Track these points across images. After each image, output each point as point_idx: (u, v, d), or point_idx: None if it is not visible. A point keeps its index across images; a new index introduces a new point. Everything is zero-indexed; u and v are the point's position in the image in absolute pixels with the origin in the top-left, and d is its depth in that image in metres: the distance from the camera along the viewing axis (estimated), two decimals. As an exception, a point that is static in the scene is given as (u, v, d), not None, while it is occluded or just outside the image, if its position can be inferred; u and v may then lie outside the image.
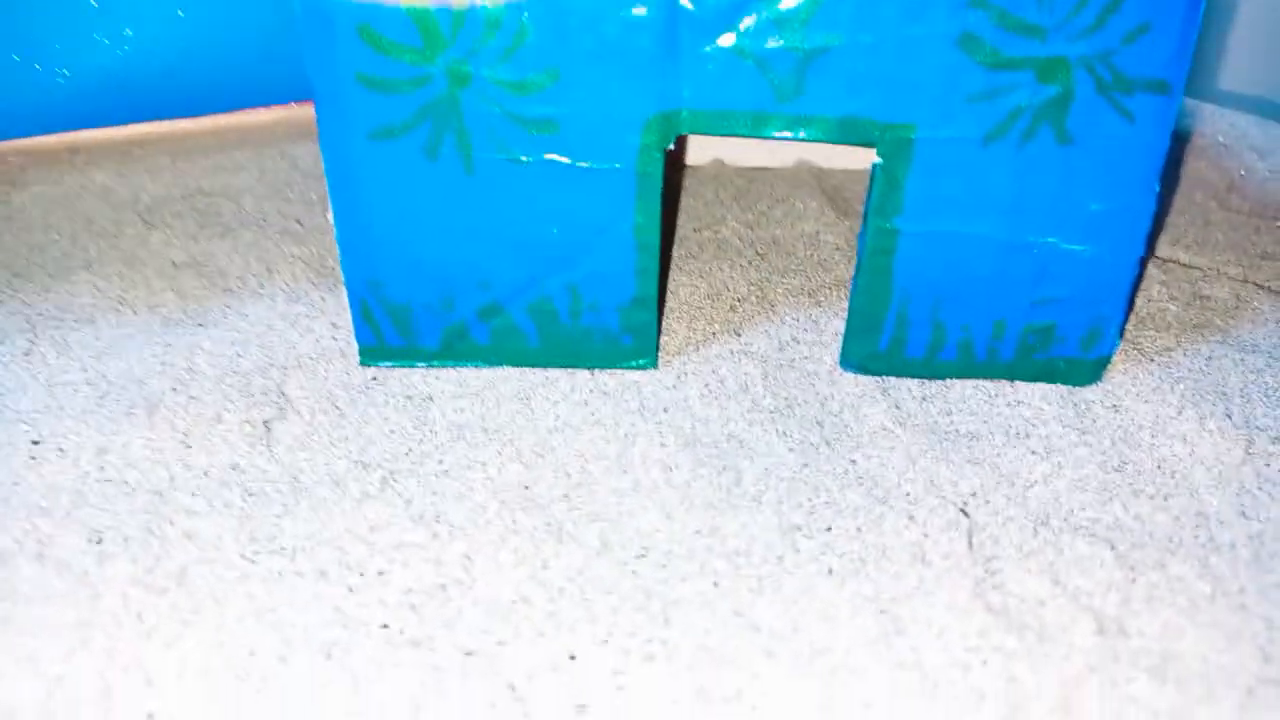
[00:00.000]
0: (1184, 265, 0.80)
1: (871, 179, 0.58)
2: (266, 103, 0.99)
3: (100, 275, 0.74)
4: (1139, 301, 0.73)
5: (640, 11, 0.52)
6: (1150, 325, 0.70)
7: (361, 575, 0.47)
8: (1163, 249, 0.83)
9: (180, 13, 0.87)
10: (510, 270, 0.61)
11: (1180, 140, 1.06)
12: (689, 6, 0.52)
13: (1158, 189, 0.57)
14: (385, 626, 0.44)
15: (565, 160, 0.57)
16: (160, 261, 0.76)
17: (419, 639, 0.44)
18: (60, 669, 0.42)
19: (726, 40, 0.53)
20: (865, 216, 0.60)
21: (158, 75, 0.91)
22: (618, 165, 0.57)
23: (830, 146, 0.92)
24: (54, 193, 0.87)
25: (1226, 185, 0.96)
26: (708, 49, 0.54)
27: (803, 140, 0.57)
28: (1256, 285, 0.76)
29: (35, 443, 0.55)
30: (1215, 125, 1.09)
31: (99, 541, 0.49)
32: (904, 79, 0.54)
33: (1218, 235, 0.85)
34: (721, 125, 0.56)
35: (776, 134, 0.56)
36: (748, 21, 0.53)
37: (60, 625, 0.44)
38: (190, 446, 0.55)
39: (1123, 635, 0.44)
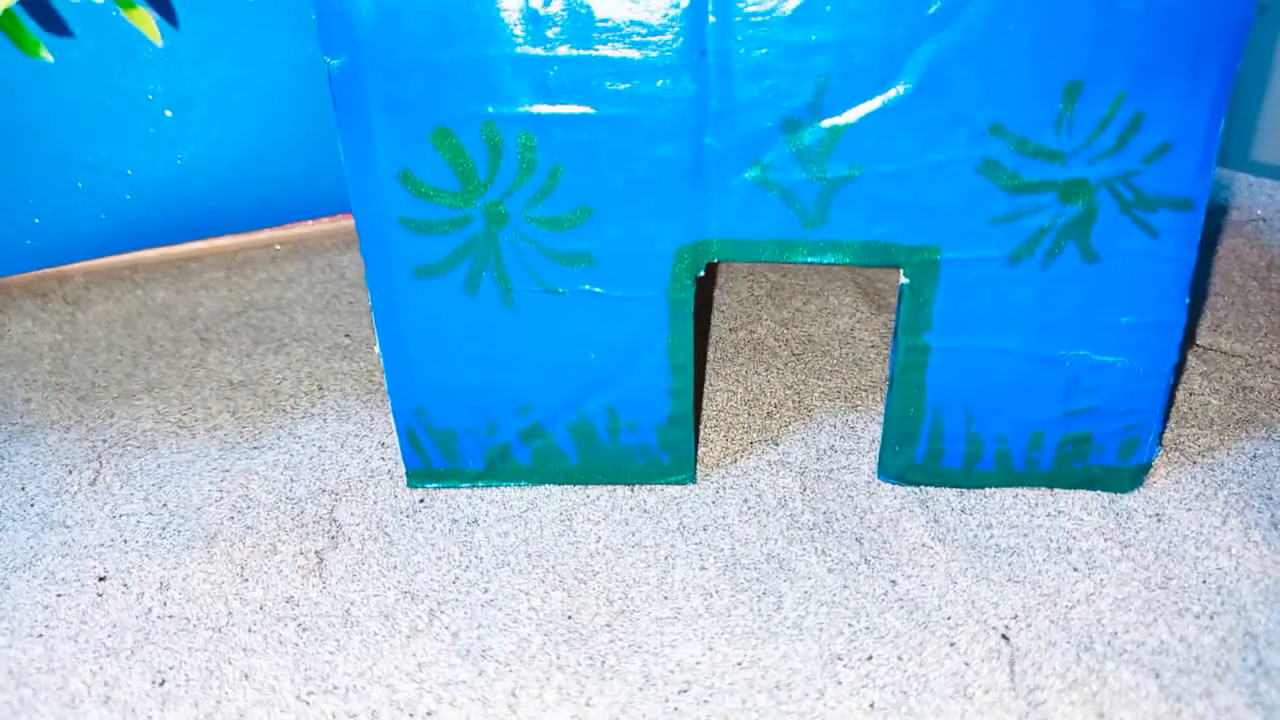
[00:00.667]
0: (1225, 353, 0.79)
1: (900, 298, 0.59)
2: (313, 216, 1.03)
3: (161, 398, 0.77)
4: (1180, 395, 0.73)
5: (667, 149, 0.55)
6: (1192, 422, 0.70)
7: (411, 716, 0.48)
8: (1204, 335, 0.82)
9: (230, 133, 0.92)
10: (550, 394, 0.63)
11: (1218, 214, 1.06)
12: (714, 143, 0.54)
13: (1188, 300, 0.57)
14: (434, 771, 0.46)
15: (600, 291, 0.59)
16: (217, 381, 0.80)
17: (467, 784, 0.45)
18: (125, 820, 0.44)
19: (751, 173, 0.55)
20: (895, 332, 0.61)
21: (211, 194, 0.95)
22: (651, 294, 0.59)
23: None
24: (116, 311, 0.91)
25: (1266, 264, 0.95)
26: (733, 182, 0.56)
27: (829, 264, 0.58)
28: (1301, 374, 0.76)
29: (102, 579, 0.58)
30: (1253, 198, 1.09)
31: (162, 683, 0.51)
32: (927, 204, 0.55)
33: (1259, 319, 0.85)
34: (749, 253, 0.58)
35: (803, 259, 0.58)
36: (771, 155, 0.55)
37: (125, 773, 0.46)
38: (246, 580, 0.58)
39: (1172, 772, 0.44)
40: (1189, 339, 0.82)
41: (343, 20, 0.52)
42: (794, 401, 0.74)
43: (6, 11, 0.55)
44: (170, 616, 0.55)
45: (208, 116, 0.90)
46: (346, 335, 0.87)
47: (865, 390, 0.75)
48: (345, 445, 0.71)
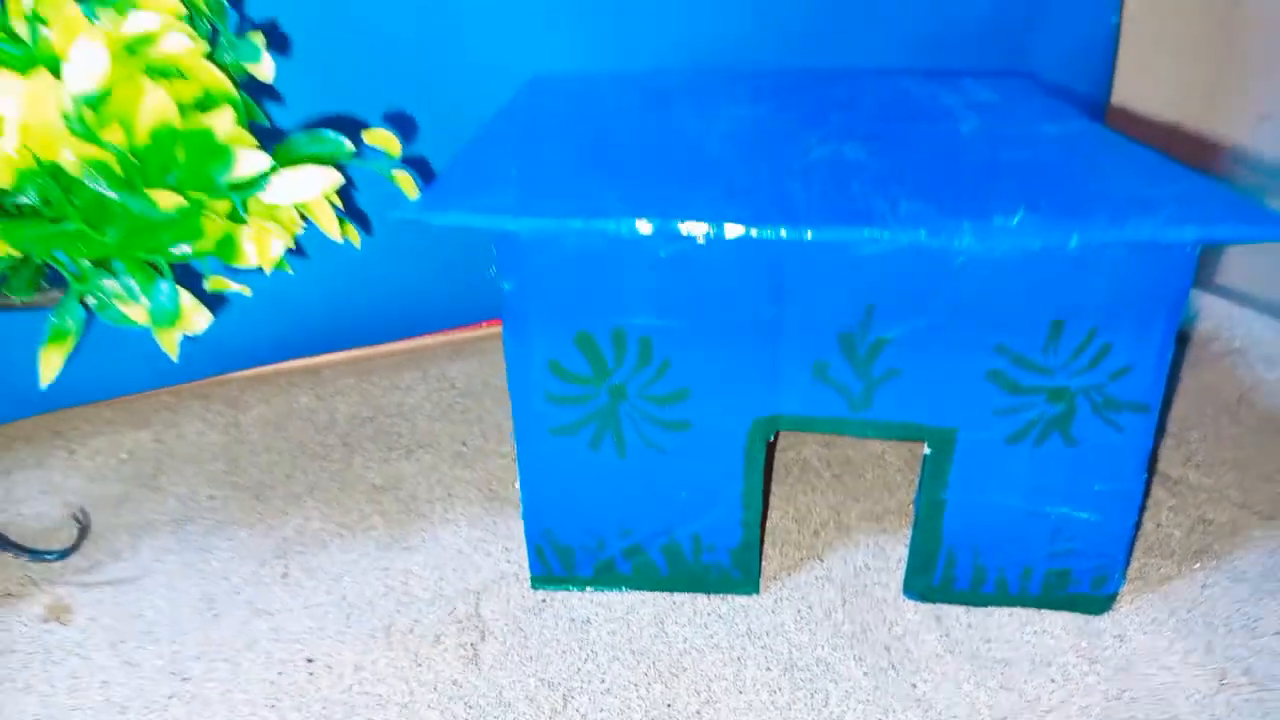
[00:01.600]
0: (1193, 487, 0.96)
1: (923, 464, 0.77)
2: (429, 330, 1.22)
3: (321, 499, 0.96)
4: (1149, 526, 0.90)
5: (750, 352, 0.73)
6: (1156, 553, 0.87)
7: (559, 780, 0.66)
8: (1175, 468, 0.99)
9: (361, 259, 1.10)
10: (648, 523, 0.81)
11: (1200, 345, 1.23)
12: (786, 349, 0.73)
13: (1145, 476, 0.75)
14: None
15: (692, 449, 0.77)
16: (364, 485, 0.98)
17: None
18: None
19: (813, 371, 0.73)
20: (919, 487, 0.78)
21: (345, 314, 1.14)
22: (731, 452, 0.77)
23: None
24: (269, 415, 1.10)
25: (1238, 397, 1.12)
26: (799, 377, 0.74)
27: (869, 438, 0.76)
28: (1252, 511, 0.92)
29: (309, 660, 0.76)
30: (1232, 330, 1.26)
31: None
32: (948, 398, 0.73)
33: (1226, 454, 1.02)
34: (809, 426, 0.76)
35: (850, 434, 0.76)
36: (829, 359, 0.73)
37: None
38: (420, 665, 0.76)
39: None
40: (1161, 472, 0.99)
41: (516, 259, 0.70)
42: (835, 522, 0.92)
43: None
44: (366, 693, 0.73)
45: (341, 251, 1.09)
46: (463, 444, 1.05)
47: (894, 514, 0.93)
48: (478, 549, 0.89)
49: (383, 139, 0.72)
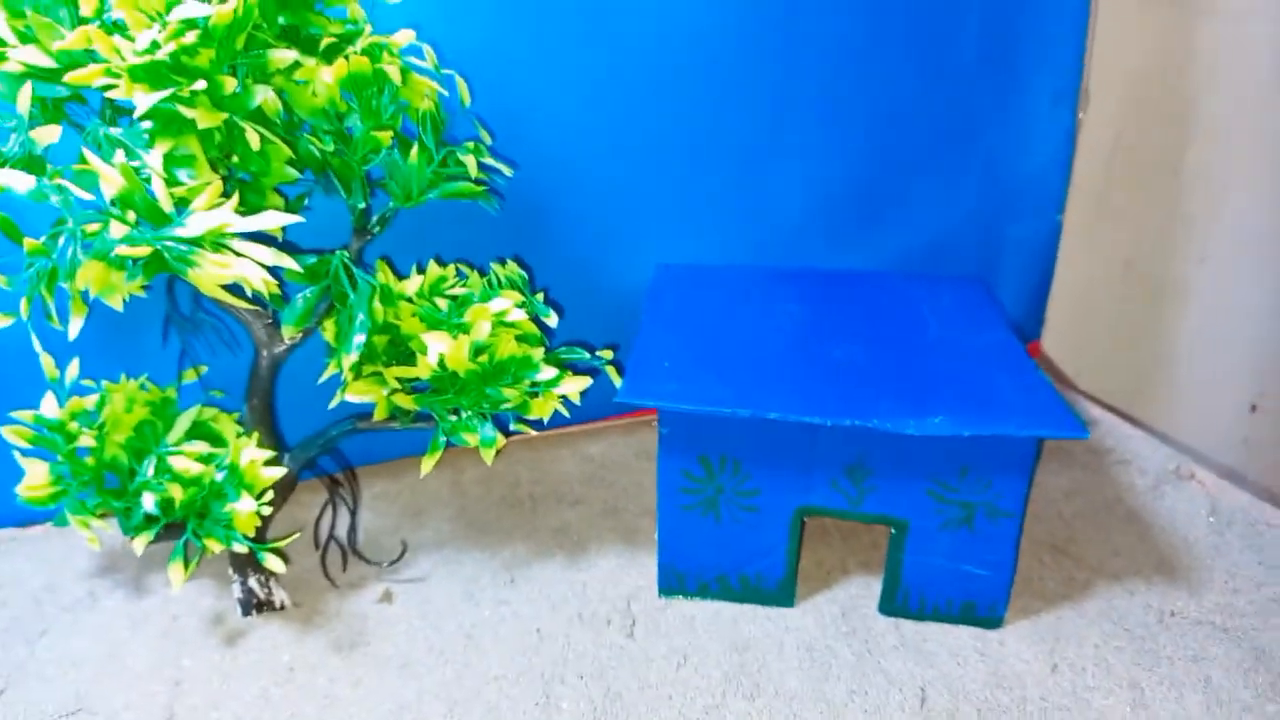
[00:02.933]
0: (1068, 555, 1.53)
1: (890, 538, 1.35)
2: (573, 423, 1.82)
3: (522, 536, 1.55)
4: (1033, 578, 1.47)
5: (794, 473, 1.31)
6: (1035, 595, 1.44)
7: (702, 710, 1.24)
8: (1060, 541, 1.56)
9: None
10: (729, 562, 1.39)
11: (1095, 454, 1.80)
12: (816, 471, 1.31)
13: (1015, 551, 1.32)
14: None
15: (759, 522, 1.36)
16: (547, 528, 1.58)
17: (711, 725, 1.21)
18: (588, 726, 1.21)
19: (831, 484, 1.32)
20: (889, 551, 1.36)
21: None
22: (781, 525, 1.36)
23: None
24: (479, 476, 1.70)
25: (1115, 496, 1.69)
26: (823, 487, 1.32)
27: (862, 522, 1.35)
28: (1102, 574, 1.49)
29: (538, 630, 1.35)
30: (1123, 445, 1.83)
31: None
32: (904, 503, 1.31)
33: (1097, 535, 1.59)
34: (827, 514, 1.34)
35: (850, 519, 1.34)
36: (838, 478, 1.31)
37: None
38: (599, 635, 1.34)
39: (974, 744, 1.18)
40: (1048, 544, 1.56)
41: (672, 418, 1.29)
42: (840, 567, 1.50)
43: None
44: (575, 652, 1.32)
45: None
46: (605, 502, 1.65)
47: (876, 562, 1.51)
48: (624, 571, 1.48)
49: (603, 353, 1.32)
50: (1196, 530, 1.59)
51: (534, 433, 1.29)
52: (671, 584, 1.42)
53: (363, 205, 1.17)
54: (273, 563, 1.18)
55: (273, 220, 1.02)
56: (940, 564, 1.34)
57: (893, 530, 1.34)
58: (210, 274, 1.01)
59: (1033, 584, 1.46)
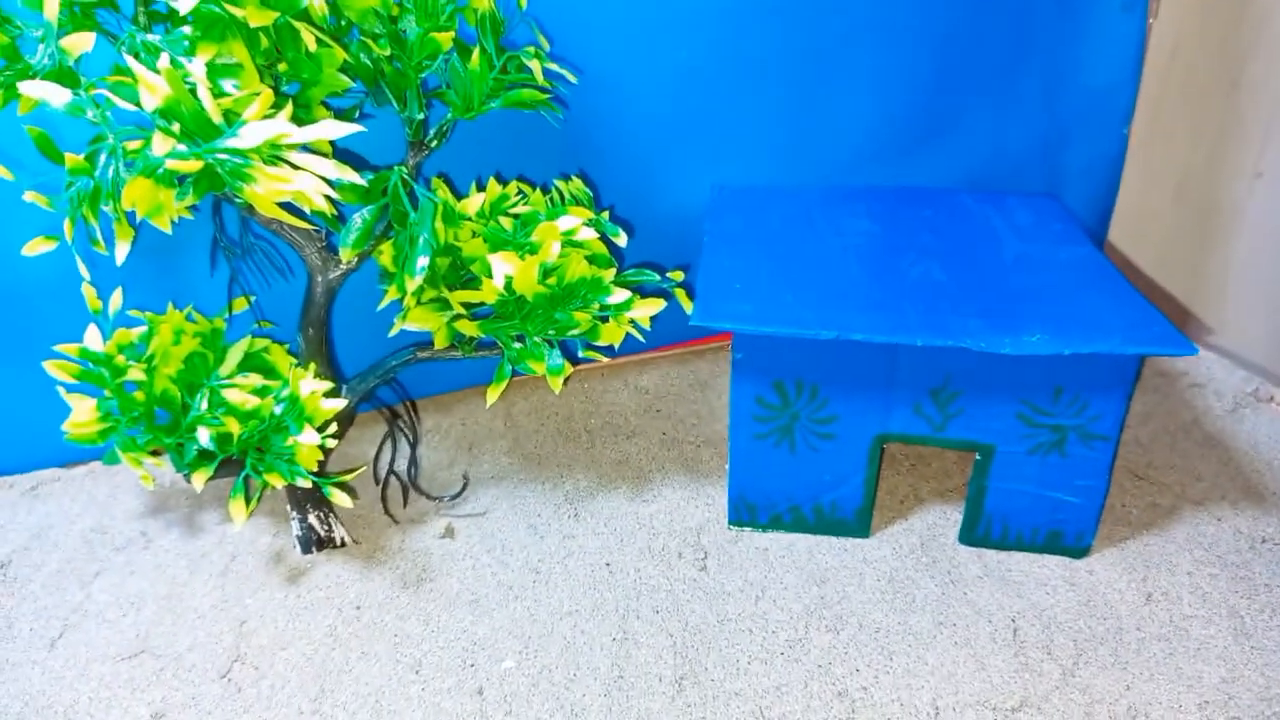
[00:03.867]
0: (1149, 481, 1.47)
1: (974, 465, 1.29)
2: (624, 354, 1.75)
3: (582, 468, 1.50)
4: (1116, 505, 1.41)
5: (874, 394, 1.25)
6: (1120, 523, 1.38)
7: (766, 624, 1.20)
8: (1140, 468, 1.50)
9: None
10: (804, 492, 1.34)
11: (1169, 378, 1.73)
12: (896, 394, 1.24)
13: (1108, 477, 1.26)
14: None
15: (836, 450, 1.30)
16: (606, 460, 1.52)
17: None
18: None
19: (913, 407, 1.25)
20: (971, 479, 1.30)
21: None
22: (860, 452, 1.29)
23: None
24: (529, 408, 1.64)
25: (1192, 419, 1.63)
26: (904, 409, 1.26)
27: (941, 448, 1.28)
28: (1186, 500, 1.43)
29: (607, 564, 1.30)
30: (1195, 368, 1.76)
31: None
32: (992, 427, 1.25)
33: (1176, 460, 1.52)
34: (907, 440, 1.28)
35: (931, 446, 1.28)
36: (922, 402, 1.25)
37: None
38: (672, 570, 1.29)
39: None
40: (1129, 470, 1.50)
41: (745, 341, 1.23)
42: (913, 495, 1.44)
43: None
44: (647, 584, 1.27)
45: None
46: (663, 433, 1.59)
47: (950, 490, 1.45)
48: (689, 503, 1.42)
49: (674, 274, 1.25)
50: (1283, 454, 1.53)
51: (605, 360, 1.22)
52: (742, 516, 1.37)
53: (420, 116, 1.09)
54: (340, 497, 1.13)
55: (333, 130, 0.94)
56: (1027, 491, 1.28)
57: (977, 456, 1.28)
58: (268, 190, 0.94)
59: (1115, 511, 1.41)
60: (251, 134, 0.93)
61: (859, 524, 1.35)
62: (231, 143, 0.93)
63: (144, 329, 1.19)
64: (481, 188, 1.22)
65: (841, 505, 1.34)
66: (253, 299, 1.32)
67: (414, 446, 1.45)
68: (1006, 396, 1.22)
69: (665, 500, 1.43)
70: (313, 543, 1.29)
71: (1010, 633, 1.19)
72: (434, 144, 1.13)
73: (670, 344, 1.80)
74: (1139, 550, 1.33)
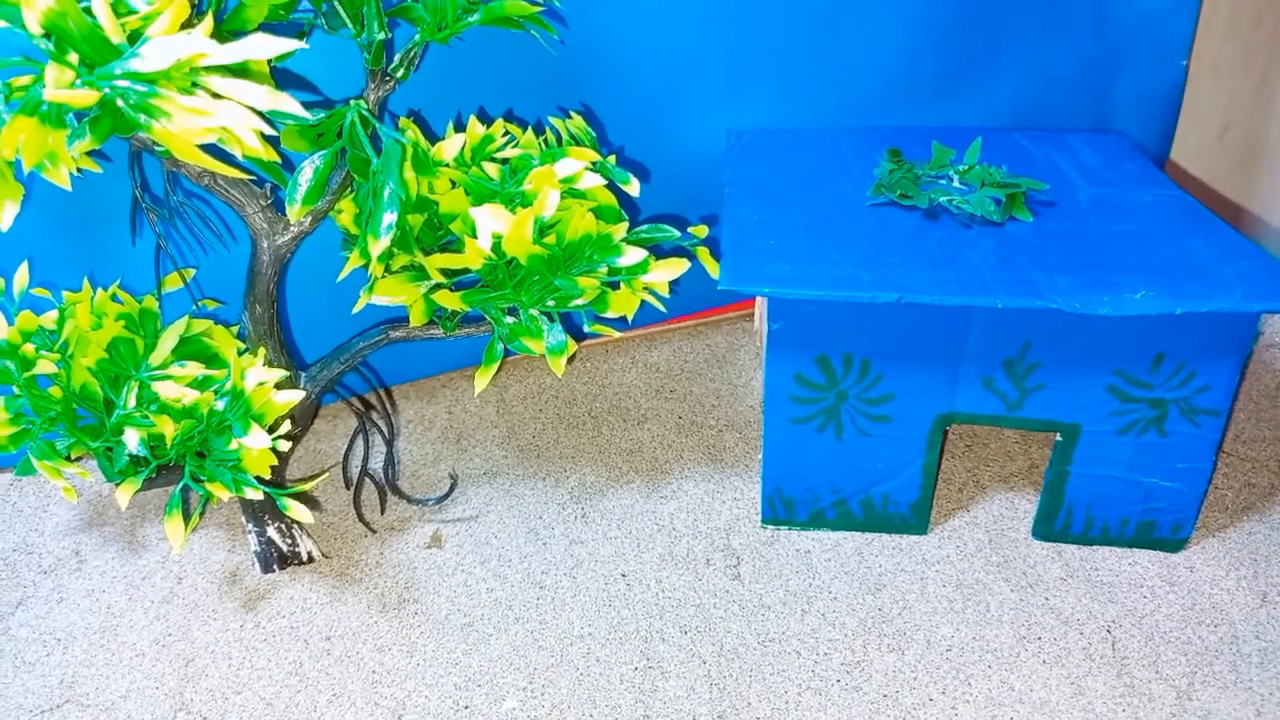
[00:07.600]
0: (1240, 458, 1.28)
1: (1055, 447, 1.09)
2: (630, 328, 1.54)
3: (588, 459, 1.30)
4: (1210, 491, 1.22)
5: (939, 369, 1.05)
6: (1214, 508, 1.19)
7: (810, 644, 1.00)
8: (1227, 443, 1.31)
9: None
10: (852, 484, 1.14)
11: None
12: (964, 368, 1.04)
13: (1215, 458, 1.06)
14: None
15: (891, 434, 1.10)
16: (616, 449, 1.32)
17: None
18: None
19: (983, 382, 1.05)
20: (1050, 462, 1.11)
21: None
22: (919, 437, 1.10)
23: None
24: (524, 392, 1.44)
25: (1277, 385, 1.43)
26: (972, 386, 1.06)
27: (1018, 430, 1.08)
28: (1285, 477, 1.24)
29: (624, 575, 1.11)
30: (1274, 326, 1.56)
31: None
32: (1077, 403, 1.05)
33: (1266, 431, 1.33)
34: (975, 421, 1.08)
35: (1004, 426, 1.08)
36: (994, 375, 1.05)
37: None
38: (700, 579, 1.10)
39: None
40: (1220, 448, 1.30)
41: (784, 308, 1.02)
42: (972, 482, 1.25)
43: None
44: (670, 598, 1.08)
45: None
46: (679, 417, 1.39)
47: (1014, 475, 1.26)
48: (714, 498, 1.23)
49: (696, 230, 1.04)
50: (1389, 422, 1.34)
51: (616, 335, 1.02)
52: (778, 512, 1.17)
53: (381, 38, 0.88)
54: (298, 510, 0.93)
55: (266, 47, 0.73)
56: (1116, 476, 1.09)
57: (1058, 437, 1.08)
58: (184, 127, 0.73)
59: (1207, 494, 1.21)
60: (156, 53, 0.71)
61: (916, 519, 1.15)
62: (133, 65, 0.72)
63: (56, 311, 0.98)
64: (461, 128, 1.00)
65: (896, 498, 1.14)
66: (190, 274, 1.11)
67: (390, 442, 1.24)
68: (1096, 367, 1.02)
69: (686, 496, 1.23)
70: (274, 560, 1.09)
71: (1108, 646, 1.00)
72: (400, 74, 0.92)
73: (683, 315, 1.60)
74: (1241, 540, 1.14)
